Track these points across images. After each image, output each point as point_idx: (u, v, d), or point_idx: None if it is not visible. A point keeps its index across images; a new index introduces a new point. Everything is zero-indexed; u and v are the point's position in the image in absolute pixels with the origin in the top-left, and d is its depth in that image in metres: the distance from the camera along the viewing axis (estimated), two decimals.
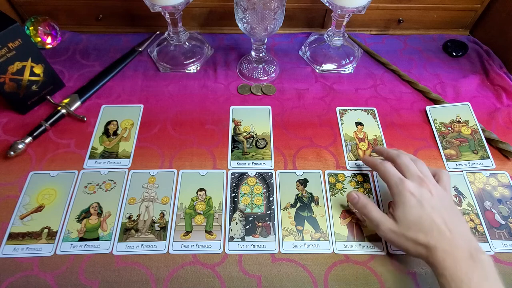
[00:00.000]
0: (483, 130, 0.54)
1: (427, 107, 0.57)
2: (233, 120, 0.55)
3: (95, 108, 0.56)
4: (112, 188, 0.47)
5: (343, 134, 0.54)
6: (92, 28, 0.68)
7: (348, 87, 0.60)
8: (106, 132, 0.53)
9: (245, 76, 0.61)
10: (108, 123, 0.54)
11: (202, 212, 0.45)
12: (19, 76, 0.51)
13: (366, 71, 0.63)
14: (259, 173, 0.49)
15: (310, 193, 0.47)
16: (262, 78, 0.61)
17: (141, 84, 0.60)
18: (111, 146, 0.51)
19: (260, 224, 0.45)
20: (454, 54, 0.66)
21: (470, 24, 0.71)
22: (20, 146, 0.49)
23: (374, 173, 0.50)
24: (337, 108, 0.57)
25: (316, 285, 0.40)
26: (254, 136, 0.53)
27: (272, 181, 0.48)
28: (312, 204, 0.47)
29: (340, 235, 0.44)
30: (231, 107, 0.57)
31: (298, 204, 0.47)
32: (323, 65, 0.63)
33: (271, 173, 0.49)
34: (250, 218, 0.45)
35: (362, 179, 0.49)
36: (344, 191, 0.48)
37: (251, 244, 0.43)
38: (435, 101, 0.58)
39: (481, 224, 0.45)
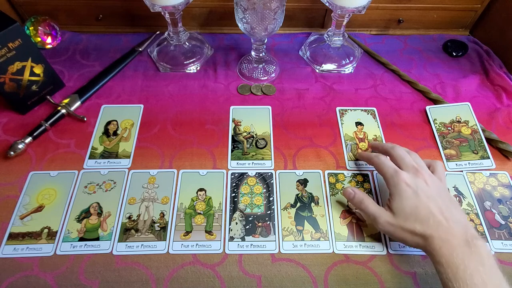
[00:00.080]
0: (483, 130, 0.54)
1: (427, 107, 0.57)
2: (233, 120, 0.55)
3: (95, 108, 0.56)
4: (112, 188, 0.47)
5: (343, 134, 0.54)
6: (92, 28, 0.68)
7: (348, 87, 0.60)
8: (106, 132, 0.53)
9: (245, 76, 0.61)
10: (108, 123, 0.54)
11: (202, 212, 0.45)
12: (19, 76, 0.51)
13: (366, 71, 0.63)
14: (259, 173, 0.49)
15: (310, 193, 0.47)
16: (262, 78, 0.61)
17: (141, 84, 0.60)
18: (111, 146, 0.51)
19: (260, 224, 0.45)
20: (454, 54, 0.66)
21: (470, 24, 0.71)
22: (20, 146, 0.49)
23: (374, 173, 0.50)
24: (337, 108, 0.57)
25: (316, 285, 0.40)
26: (254, 136, 0.53)
27: (272, 181, 0.48)
28: (312, 204, 0.47)
29: (340, 235, 0.44)
30: (231, 107, 0.57)
31: (298, 204, 0.47)
32: (323, 65, 0.63)
33: (271, 173, 0.49)
34: (250, 218, 0.45)
35: (362, 179, 0.49)
36: None
37: (251, 244, 0.43)
38: (435, 101, 0.58)
39: (481, 224, 0.45)
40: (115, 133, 0.53)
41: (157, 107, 0.57)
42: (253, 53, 0.61)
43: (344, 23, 0.57)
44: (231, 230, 0.44)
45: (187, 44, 0.63)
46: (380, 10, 0.66)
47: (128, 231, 0.44)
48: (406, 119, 0.56)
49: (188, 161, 0.50)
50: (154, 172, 0.49)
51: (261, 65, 0.62)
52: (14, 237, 0.43)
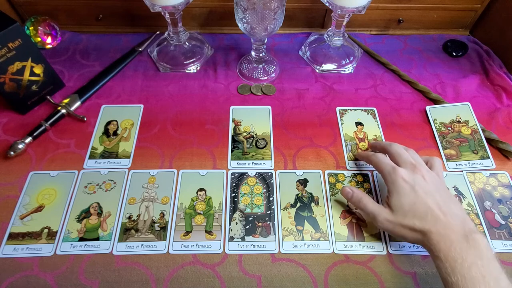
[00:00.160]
0: (483, 130, 0.54)
1: (427, 107, 0.57)
2: (233, 120, 0.55)
3: (95, 108, 0.56)
4: (112, 188, 0.47)
5: (343, 134, 0.54)
6: (92, 28, 0.68)
7: (348, 87, 0.60)
8: (106, 132, 0.53)
9: (245, 76, 0.61)
10: (108, 123, 0.54)
11: (202, 212, 0.45)
12: (19, 76, 0.51)
13: (366, 71, 0.63)
14: (259, 173, 0.49)
15: (310, 193, 0.47)
16: (262, 78, 0.61)
17: (141, 84, 0.60)
18: (111, 146, 0.51)
19: (260, 224, 0.45)
20: (454, 54, 0.66)
21: (470, 24, 0.71)
22: (20, 146, 0.49)
23: (374, 173, 0.50)
24: (337, 108, 0.57)
25: (316, 285, 0.40)
26: (254, 136, 0.53)
27: (272, 181, 0.48)
28: (312, 204, 0.47)
29: (340, 235, 0.44)
30: (231, 107, 0.57)
31: (298, 204, 0.47)
32: (323, 65, 0.63)
33: (271, 173, 0.49)
34: (250, 218, 0.45)
35: (362, 179, 0.49)
36: None
37: (251, 244, 0.43)
38: (435, 101, 0.58)
39: (481, 224, 0.45)
40: (115, 133, 0.53)
41: (157, 107, 0.57)
42: (253, 53, 0.61)
43: (344, 23, 0.57)
44: (231, 230, 0.44)
45: (187, 44, 0.63)
46: (380, 10, 0.66)
47: (128, 231, 0.44)
48: (406, 119, 0.56)
49: (188, 161, 0.50)
50: (154, 172, 0.49)
51: (261, 65, 0.62)
52: (14, 237, 0.43)
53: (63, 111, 0.53)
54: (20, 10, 0.65)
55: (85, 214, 0.45)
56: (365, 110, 0.57)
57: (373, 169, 0.49)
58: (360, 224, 0.45)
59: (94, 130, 0.53)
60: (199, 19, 0.67)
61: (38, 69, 0.53)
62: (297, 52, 0.66)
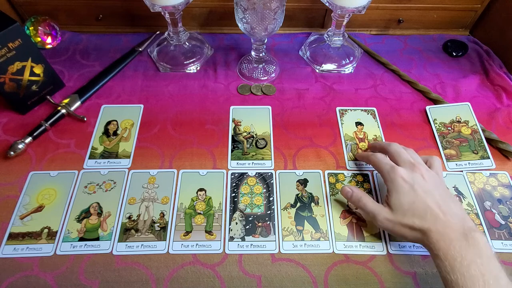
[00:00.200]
0: (483, 130, 0.54)
1: (427, 107, 0.57)
2: (233, 120, 0.55)
3: (95, 108, 0.56)
4: (112, 188, 0.47)
5: (343, 134, 0.54)
6: (92, 28, 0.68)
7: (348, 87, 0.60)
8: (106, 132, 0.53)
9: (245, 76, 0.61)
10: (108, 123, 0.54)
11: (202, 212, 0.45)
12: (19, 76, 0.51)
13: (366, 71, 0.63)
14: (259, 173, 0.49)
15: (310, 193, 0.47)
16: (262, 78, 0.61)
17: (141, 84, 0.60)
18: (111, 146, 0.51)
19: (260, 224, 0.45)
20: (454, 54, 0.66)
21: (470, 24, 0.71)
22: (20, 146, 0.49)
23: (374, 173, 0.50)
24: (337, 108, 0.57)
25: (316, 285, 0.40)
26: (254, 136, 0.53)
27: (272, 181, 0.48)
28: (312, 204, 0.47)
29: (340, 235, 0.44)
30: (231, 107, 0.57)
31: (298, 204, 0.47)
32: (323, 65, 0.63)
33: (271, 173, 0.49)
34: (250, 218, 0.45)
35: (362, 179, 0.49)
36: None
37: (251, 244, 0.43)
38: (435, 101, 0.58)
39: (481, 224, 0.45)
40: (115, 133, 0.53)
41: (157, 107, 0.57)
42: (253, 53, 0.61)
43: (344, 23, 0.57)
44: (231, 230, 0.44)
45: (187, 44, 0.63)
46: (380, 10, 0.66)
47: (128, 231, 0.44)
48: (406, 119, 0.56)
49: (188, 161, 0.50)
50: (154, 172, 0.49)
51: (261, 65, 0.62)
52: (14, 237, 0.43)
53: (63, 111, 0.54)
54: (20, 10, 0.65)
55: (85, 214, 0.45)
56: (365, 110, 0.57)
57: (373, 169, 0.49)
58: (360, 224, 0.45)
59: (94, 130, 0.53)
60: (199, 19, 0.67)
61: (38, 69, 0.53)
62: (297, 52, 0.66)
